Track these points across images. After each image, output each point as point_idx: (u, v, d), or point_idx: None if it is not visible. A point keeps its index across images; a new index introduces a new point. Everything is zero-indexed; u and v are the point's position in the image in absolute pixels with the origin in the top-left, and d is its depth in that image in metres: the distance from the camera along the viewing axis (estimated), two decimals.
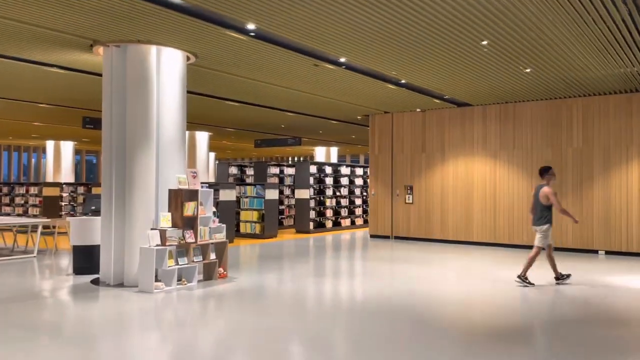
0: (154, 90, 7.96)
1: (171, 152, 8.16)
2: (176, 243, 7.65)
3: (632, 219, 11.29)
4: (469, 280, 8.49)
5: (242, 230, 15.08)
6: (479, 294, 7.46)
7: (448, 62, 9.01)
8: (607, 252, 11.54)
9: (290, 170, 18.48)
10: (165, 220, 7.71)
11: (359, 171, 18.97)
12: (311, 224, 16.35)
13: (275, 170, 17.93)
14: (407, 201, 14.43)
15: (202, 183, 9.30)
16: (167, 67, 8.17)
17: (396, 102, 13.05)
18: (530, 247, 8.52)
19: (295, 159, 32.20)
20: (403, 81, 10.66)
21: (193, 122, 17.47)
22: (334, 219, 17.61)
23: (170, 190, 7.92)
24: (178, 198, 7.81)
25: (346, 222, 17.98)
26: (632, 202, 11.31)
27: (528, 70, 9.41)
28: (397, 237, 14.60)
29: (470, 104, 13.28)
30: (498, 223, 12.98)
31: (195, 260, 7.95)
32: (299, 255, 11.40)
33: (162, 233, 7.51)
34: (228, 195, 13.47)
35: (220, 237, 8.44)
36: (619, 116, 11.55)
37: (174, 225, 7.76)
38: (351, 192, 18.46)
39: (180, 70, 8.32)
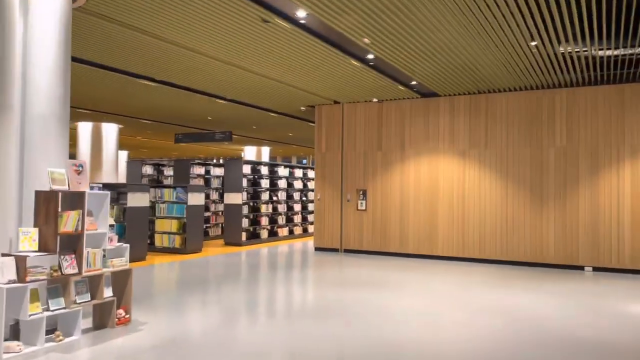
0: (16, 35, 5.10)
1: (45, 134, 5.34)
2: (45, 277, 4.85)
3: (623, 230, 9.78)
4: (444, 311, 6.35)
5: (157, 243, 12.16)
6: (464, 334, 5.31)
7: (436, 27, 6.87)
8: (595, 269, 9.96)
9: (218, 171, 15.72)
10: (28, 239, 4.89)
11: (298, 172, 16.58)
12: (243, 235, 13.72)
13: (200, 170, 15.12)
14: (359, 208, 12.23)
15: (95, 184, 6.50)
16: (40, 4, 5.35)
17: (353, 87, 10.80)
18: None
19: (221, 160, 29.23)
20: (371, 56, 8.41)
21: (97, 110, 14.24)
22: (269, 228, 15.09)
23: (37, 193, 5.10)
24: (50, 205, 5.00)
25: (284, 232, 15.50)
26: (624, 210, 9.81)
27: (534, 43, 7.50)
28: (347, 251, 12.35)
29: (437, 94, 11.33)
30: (467, 234, 11.10)
31: (78, 302, 5.18)
32: (228, 278, 8.80)
33: (21, 261, 4.69)
34: (139, 200, 10.57)
35: (121, 263, 5.71)
36: (609, 110, 10.03)
37: (44, 247, 4.96)
38: (289, 196, 16.03)
39: (60, 10, 5.50)
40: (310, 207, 16.90)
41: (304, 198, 16.71)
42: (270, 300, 7.17)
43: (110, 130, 16.85)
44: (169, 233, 12.06)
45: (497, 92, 10.94)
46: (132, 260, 10.95)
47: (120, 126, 17.29)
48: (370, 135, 12.21)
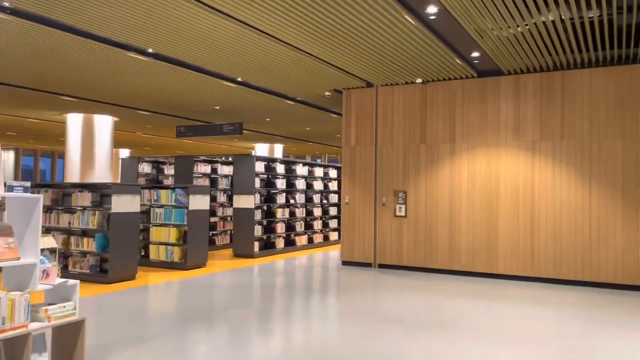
0: None
1: None
2: None
3: None
4: None
5: (152, 256, 10.02)
6: None
7: None
8: None
9: (226, 169, 13.57)
10: None
11: (319, 171, 14.39)
12: (256, 245, 11.55)
13: (205, 168, 12.98)
14: (397, 213, 10.01)
15: (18, 183, 4.48)
16: None
17: (395, 59, 8.59)
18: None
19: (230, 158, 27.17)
20: (433, 8, 6.19)
21: (86, 98, 12.14)
22: (285, 236, 12.91)
23: None
24: None
25: (302, 241, 13.31)
26: None
27: None
28: (382, 266, 10.13)
29: (497, 72, 9.09)
30: (538, 247, 8.84)
31: None
32: (235, 311, 6.62)
33: None
34: (127, 203, 8.43)
35: (65, 312, 3.55)
36: None
37: None
38: (308, 199, 13.84)
39: None
40: (332, 211, 14.71)
41: (324, 201, 14.52)
42: (291, 353, 4.96)
43: (103, 123, 14.77)
44: (167, 244, 9.92)
45: (577, 69, 8.67)
46: (118, 279, 8.45)
47: (115, 119, 15.21)
48: (412, 124, 9.98)
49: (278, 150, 23.10)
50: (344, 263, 10.52)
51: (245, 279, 8.92)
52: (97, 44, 7.84)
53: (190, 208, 9.72)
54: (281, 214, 12.58)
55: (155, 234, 10.02)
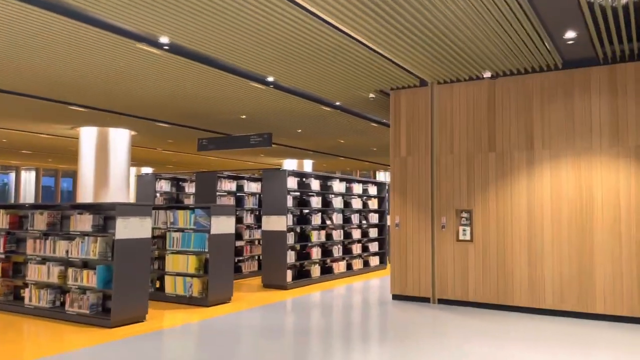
0: None
1: None
2: None
3: None
4: None
5: (168, 290, 8.46)
6: None
7: None
8: None
9: (254, 186, 12.03)
10: None
11: (357, 188, 12.72)
12: (288, 274, 9.90)
13: (229, 185, 11.46)
14: (461, 237, 8.26)
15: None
16: None
17: (464, 45, 6.94)
18: None
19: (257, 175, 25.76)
20: None
21: (97, 107, 10.81)
22: (322, 262, 11.24)
23: None
24: None
25: (340, 267, 11.61)
26: None
27: None
28: (443, 301, 8.35)
29: (588, 61, 7.36)
30: None
31: None
32: None
33: None
34: (136, 227, 6.90)
35: None
36: None
37: None
38: (346, 219, 12.16)
39: None
40: (372, 232, 12.98)
41: (363, 222, 12.82)
42: None
43: (119, 137, 13.46)
44: (185, 275, 8.35)
45: None
46: (123, 322, 6.65)
47: (133, 132, 13.90)
48: (477, 128, 8.28)
49: (307, 167, 21.58)
50: (395, 297, 8.78)
51: (278, 319, 7.25)
52: (104, 32, 6.42)
53: (213, 232, 8.15)
54: (316, 237, 10.92)
55: (172, 262, 8.46)
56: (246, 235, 11.59)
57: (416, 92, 8.84)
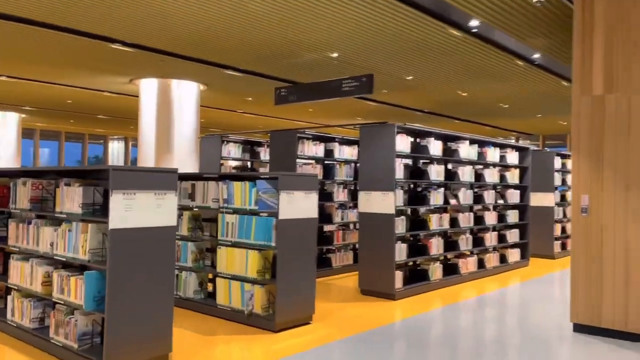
0: None
1: None
2: None
3: None
4: None
5: (221, 299, 5.68)
6: None
7: None
8: None
9: (347, 151, 8.90)
10: None
11: (492, 154, 9.07)
12: (398, 277, 6.75)
13: (315, 149, 8.42)
14: None
15: None
16: None
17: None
18: None
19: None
20: None
21: (152, 48, 8.26)
22: (443, 258, 7.96)
23: None
24: None
25: (468, 266, 8.22)
26: None
27: None
28: None
29: None
30: None
31: None
32: None
33: None
34: (149, 209, 4.09)
35: None
36: None
37: None
38: (477, 197, 8.68)
39: None
40: (511, 216, 9.37)
41: (499, 201, 9.24)
42: None
43: (185, 92, 10.98)
44: (243, 279, 5.49)
45: None
46: None
47: (202, 86, 11.35)
48: None
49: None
50: (580, 329, 5.29)
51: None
52: None
53: (283, 216, 5.18)
54: (436, 223, 7.61)
55: (226, 260, 5.65)
56: (337, 217, 8.56)
57: None
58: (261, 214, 5.41)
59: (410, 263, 7.41)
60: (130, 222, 3.96)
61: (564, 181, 11.32)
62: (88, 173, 4.70)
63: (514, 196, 9.59)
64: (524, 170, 9.88)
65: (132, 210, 3.98)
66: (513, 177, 9.58)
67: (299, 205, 5.37)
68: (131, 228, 3.97)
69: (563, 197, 11.42)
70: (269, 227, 5.31)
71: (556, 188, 10.89)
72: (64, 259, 4.35)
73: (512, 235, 9.45)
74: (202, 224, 6.15)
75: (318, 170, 8.41)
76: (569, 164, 11.63)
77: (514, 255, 9.45)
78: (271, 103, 10.04)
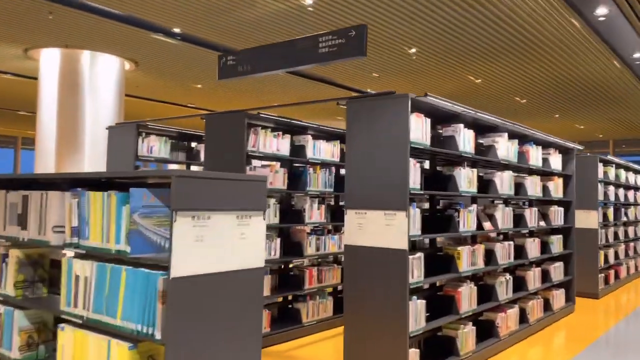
0: None
1: None
2: None
3: None
4: None
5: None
6: None
7: None
8: None
9: (326, 148, 5.99)
10: None
11: (535, 156, 6.26)
12: (411, 357, 3.86)
13: (275, 143, 5.48)
14: None
15: None
16: None
17: None
18: None
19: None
20: None
21: None
22: (473, 314, 5.11)
23: None
24: None
25: (509, 324, 5.37)
26: None
27: None
28: None
29: None
30: None
31: None
32: None
33: None
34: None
35: None
36: None
37: None
38: (516, 219, 5.86)
39: None
40: (555, 244, 6.57)
41: (541, 222, 6.45)
42: None
43: (101, 69, 7.96)
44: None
45: None
46: None
47: (127, 64, 8.36)
48: None
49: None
50: None
51: None
52: None
53: (177, 271, 2.24)
54: (467, 260, 4.75)
55: (72, 355, 2.67)
56: (310, 246, 5.65)
57: None
58: (138, 263, 2.47)
59: (428, 332, 4.54)
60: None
61: (605, 194, 8.68)
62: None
63: (557, 215, 6.84)
64: (567, 179, 7.17)
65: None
66: (557, 188, 6.84)
67: (223, 241, 2.45)
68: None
69: (605, 216, 8.75)
70: (150, 294, 2.36)
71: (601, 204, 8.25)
72: None
73: (557, 272, 6.68)
74: (45, 273, 3.18)
75: (281, 176, 5.49)
76: (612, 172, 9.00)
77: (559, 299, 6.68)
78: (228, 92, 7.10)
